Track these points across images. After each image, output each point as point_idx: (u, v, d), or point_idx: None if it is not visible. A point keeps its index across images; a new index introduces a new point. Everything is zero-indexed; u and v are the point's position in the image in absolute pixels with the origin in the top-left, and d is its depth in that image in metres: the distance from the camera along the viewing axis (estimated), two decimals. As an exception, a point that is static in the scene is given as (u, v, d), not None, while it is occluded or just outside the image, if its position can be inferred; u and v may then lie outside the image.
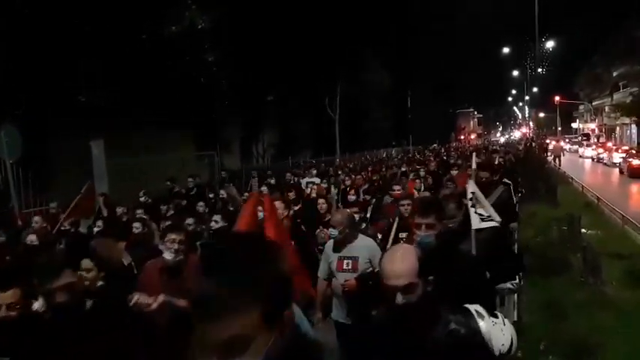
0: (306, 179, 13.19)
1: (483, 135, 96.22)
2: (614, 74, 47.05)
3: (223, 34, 21.19)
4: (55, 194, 11.32)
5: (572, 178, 22.72)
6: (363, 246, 4.54)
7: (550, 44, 65.02)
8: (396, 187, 8.15)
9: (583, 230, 9.70)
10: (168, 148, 16.99)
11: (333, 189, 11.09)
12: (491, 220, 3.74)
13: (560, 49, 69.81)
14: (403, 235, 5.12)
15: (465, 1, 57.47)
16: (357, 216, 6.22)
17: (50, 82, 14.78)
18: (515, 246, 6.79)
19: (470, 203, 3.83)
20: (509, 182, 6.49)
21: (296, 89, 27.97)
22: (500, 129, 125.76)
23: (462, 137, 74.91)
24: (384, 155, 30.74)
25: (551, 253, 8.11)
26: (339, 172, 15.54)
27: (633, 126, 43.01)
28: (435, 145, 43.72)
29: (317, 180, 12.38)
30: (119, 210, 8.57)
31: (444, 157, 21.65)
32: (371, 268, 4.35)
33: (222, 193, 9.87)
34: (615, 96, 48.27)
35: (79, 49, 15.35)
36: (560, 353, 5.11)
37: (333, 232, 4.55)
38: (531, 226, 10.64)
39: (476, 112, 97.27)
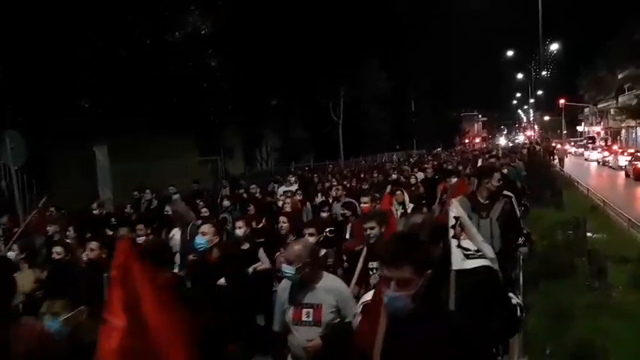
0: (283, 188, 10.94)
1: (488, 138, 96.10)
2: (619, 77, 46.88)
3: (226, 40, 21.26)
4: (59, 200, 11.34)
5: (577, 182, 22.60)
6: (330, 289, 3.35)
7: (554, 47, 65.01)
8: (364, 200, 6.59)
9: (589, 234, 9.62)
10: (171, 154, 17.06)
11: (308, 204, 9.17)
12: (481, 256, 2.86)
13: (564, 52, 69.73)
14: (374, 264, 4.15)
15: (469, 5, 57.47)
16: (312, 239, 4.68)
17: (54, 88, 14.85)
18: (520, 281, 5.74)
19: (451, 233, 2.87)
20: (510, 194, 5.16)
21: (299, 93, 28.00)
22: (505, 132, 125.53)
23: (467, 141, 74.78)
24: (384, 159, 30.53)
25: (557, 257, 8.04)
26: (331, 179, 13.57)
27: (639, 129, 42.80)
28: (438, 148, 43.68)
29: (295, 189, 10.38)
30: (50, 229, 7.21)
31: (441, 163, 19.95)
32: (339, 319, 3.32)
33: (168, 209, 7.95)
34: (620, 98, 48.09)
35: (82, 55, 15.43)
36: (566, 357, 5.05)
37: (288, 269, 3.30)
38: (537, 229, 10.56)
39: (480, 116, 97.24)
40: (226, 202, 9.36)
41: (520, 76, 79.65)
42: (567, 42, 65.54)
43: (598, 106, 58.98)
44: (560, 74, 74.59)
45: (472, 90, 67.77)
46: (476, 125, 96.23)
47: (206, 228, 4.89)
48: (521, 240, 5.26)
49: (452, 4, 49.88)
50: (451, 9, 49.82)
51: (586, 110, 66.54)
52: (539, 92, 61.85)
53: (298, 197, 9.09)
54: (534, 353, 4.99)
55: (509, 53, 68.93)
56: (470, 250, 2.84)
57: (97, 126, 15.51)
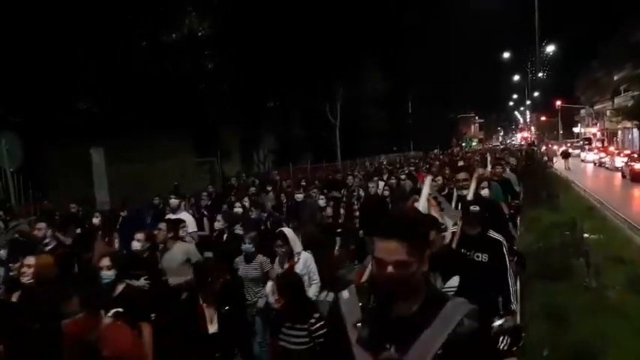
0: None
1: (484, 140, 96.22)
2: (615, 78, 47.03)
3: (223, 41, 21.22)
4: (55, 202, 11.31)
5: (574, 183, 22.65)
6: None
7: (550, 48, 65.07)
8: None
9: (585, 235, 9.61)
10: (168, 155, 17.01)
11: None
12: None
13: (560, 53, 69.85)
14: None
15: (465, 6, 57.56)
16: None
17: (50, 90, 14.79)
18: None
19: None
20: (499, 239, 4.30)
21: (296, 95, 27.97)
22: (502, 134, 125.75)
23: (464, 143, 74.83)
24: (369, 163, 29.85)
25: (554, 258, 8.04)
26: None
27: (635, 130, 42.96)
28: (436, 150, 43.71)
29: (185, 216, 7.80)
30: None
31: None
32: None
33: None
34: (616, 100, 48.23)
35: (78, 56, 15.37)
36: (563, 359, 5.04)
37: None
38: (533, 231, 10.57)
39: (477, 117, 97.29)
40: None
41: (517, 77, 79.87)
42: (563, 43, 65.71)
43: (594, 108, 59.15)
44: (557, 76, 74.77)
45: (469, 91, 67.76)
46: (472, 127, 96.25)
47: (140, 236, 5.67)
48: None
49: (449, 6, 49.91)
50: (448, 10, 49.83)
51: (582, 111, 66.72)
52: (536, 94, 61.94)
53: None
54: (531, 355, 4.98)
55: (506, 55, 69.07)
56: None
57: (94, 127, 15.46)
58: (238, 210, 8.64)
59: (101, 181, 15.16)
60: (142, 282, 4.85)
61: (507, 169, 11.37)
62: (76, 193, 12.14)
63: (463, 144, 71.56)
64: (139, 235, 5.73)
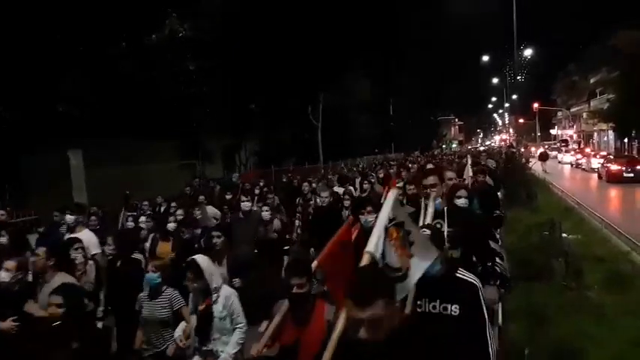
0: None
1: (464, 142, 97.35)
2: (591, 81, 47.98)
3: (205, 43, 21.07)
4: (33, 205, 11.09)
5: (551, 184, 23.01)
6: None
7: (528, 52, 66.21)
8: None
9: (564, 235, 9.77)
10: (149, 158, 16.81)
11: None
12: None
13: (538, 57, 71.12)
14: None
15: (446, 11, 58.23)
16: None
17: (28, 92, 14.50)
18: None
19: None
20: (473, 281, 3.16)
21: (279, 98, 27.93)
22: (481, 136, 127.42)
23: (444, 145, 75.57)
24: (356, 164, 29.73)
25: (533, 258, 8.14)
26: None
27: (610, 132, 43.84)
28: (416, 152, 44.04)
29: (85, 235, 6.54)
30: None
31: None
32: None
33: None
34: (592, 103, 49.21)
35: (57, 58, 15.10)
36: (545, 358, 5.11)
37: None
38: (513, 232, 10.70)
39: (457, 120, 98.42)
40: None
41: (496, 80, 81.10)
42: (541, 47, 66.97)
43: (571, 110, 60.33)
44: (535, 79, 76.12)
45: (449, 94, 68.58)
46: (453, 129, 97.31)
47: (10, 264, 4.45)
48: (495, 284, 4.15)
49: (430, 10, 50.33)
50: (429, 15, 50.24)
51: (559, 114, 67.99)
52: (514, 96, 63.00)
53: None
54: (513, 354, 5.04)
55: (486, 58, 70.10)
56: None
57: (72, 129, 15.19)
58: (171, 225, 7.31)
59: (79, 184, 14.89)
60: (7, 324, 4.03)
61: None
62: (54, 196, 11.93)
63: (443, 146, 72.28)
64: (9, 264, 4.47)
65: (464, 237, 3.63)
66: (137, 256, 5.90)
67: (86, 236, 6.06)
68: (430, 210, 3.89)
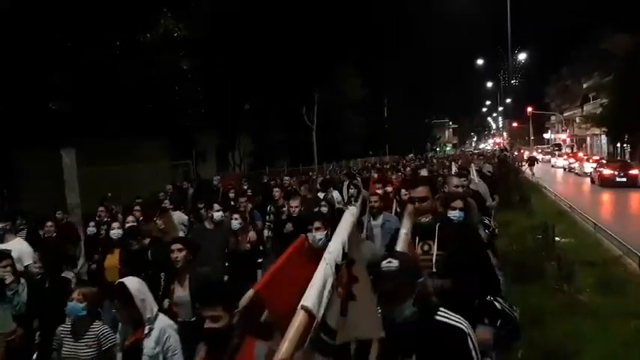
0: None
1: (458, 145, 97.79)
2: (584, 86, 48.37)
3: (199, 43, 21.02)
4: (25, 205, 11.00)
5: (544, 188, 23.14)
6: None
7: (522, 56, 66.62)
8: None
9: (557, 238, 9.83)
10: (142, 157, 16.72)
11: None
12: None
13: (532, 61, 71.58)
14: None
15: (441, 14, 58.49)
16: None
17: (20, 90, 14.38)
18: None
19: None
20: (461, 326, 2.31)
21: (273, 98, 27.91)
22: (475, 139, 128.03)
23: (437, 148, 75.83)
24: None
25: (527, 261, 8.18)
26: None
27: (603, 136, 44.16)
28: (411, 154, 44.14)
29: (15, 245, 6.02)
30: None
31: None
32: None
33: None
34: (585, 107, 49.62)
35: (49, 55, 14.99)
36: (538, 359, 5.12)
37: None
38: (507, 235, 10.74)
39: (451, 123, 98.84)
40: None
41: (490, 84, 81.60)
42: (535, 52, 67.42)
43: (564, 115, 60.76)
44: (529, 83, 76.63)
45: (443, 97, 68.91)
46: (447, 132, 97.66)
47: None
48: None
49: (424, 14, 50.65)
50: (423, 18, 50.59)
51: (552, 118, 68.50)
52: (508, 100, 63.30)
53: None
54: (506, 355, 5.03)
55: (480, 62, 70.47)
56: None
57: (65, 128, 15.07)
58: (115, 233, 6.20)
59: (72, 183, 14.76)
60: None
61: (475, 178, 8.07)
62: (46, 195, 11.84)
63: (437, 149, 72.53)
64: None
65: (456, 263, 3.00)
66: (68, 274, 5.10)
67: (17, 246, 5.42)
68: (403, 231, 2.92)
